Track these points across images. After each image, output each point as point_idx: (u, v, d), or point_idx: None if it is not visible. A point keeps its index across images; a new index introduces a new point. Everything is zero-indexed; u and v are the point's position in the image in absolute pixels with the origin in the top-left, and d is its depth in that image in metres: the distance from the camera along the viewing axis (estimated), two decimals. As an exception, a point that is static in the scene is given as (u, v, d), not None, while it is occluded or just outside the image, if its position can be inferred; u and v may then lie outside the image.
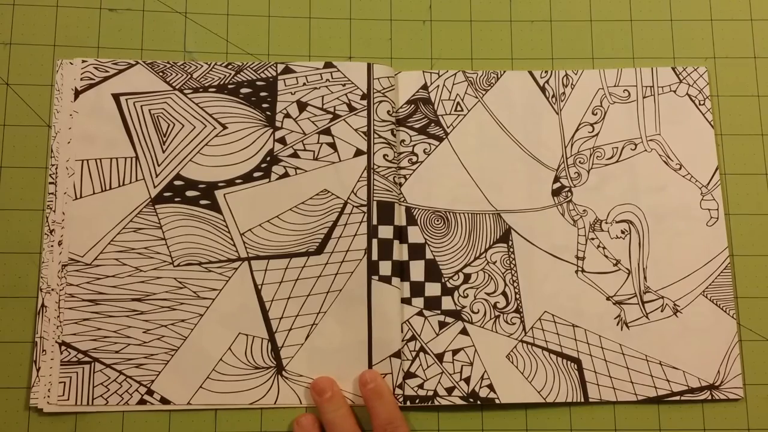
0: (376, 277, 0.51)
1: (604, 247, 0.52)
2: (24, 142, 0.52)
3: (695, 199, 0.53)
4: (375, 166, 0.52)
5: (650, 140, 0.54)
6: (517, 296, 0.52)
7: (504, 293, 0.52)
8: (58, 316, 0.50)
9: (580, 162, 0.54)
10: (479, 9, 0.56)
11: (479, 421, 0.50)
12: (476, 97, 0.54)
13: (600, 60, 0.56)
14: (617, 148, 0.54)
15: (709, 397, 0.50)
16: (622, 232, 0.53)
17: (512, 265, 0.52)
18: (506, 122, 0.54)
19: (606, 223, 0.53)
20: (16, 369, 0.49)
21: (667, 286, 0.52)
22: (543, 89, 0.55)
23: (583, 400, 0.50)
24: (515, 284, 0.52)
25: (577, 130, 0.54)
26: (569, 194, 0.53)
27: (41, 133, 0.52)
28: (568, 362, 0.51)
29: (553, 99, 0.54)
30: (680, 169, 0.54)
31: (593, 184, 0.53)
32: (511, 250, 0.52)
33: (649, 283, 0.52)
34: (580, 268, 0.52)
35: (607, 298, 0.52)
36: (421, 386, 0.50)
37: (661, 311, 0.52)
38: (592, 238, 0.53)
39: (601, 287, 0.52)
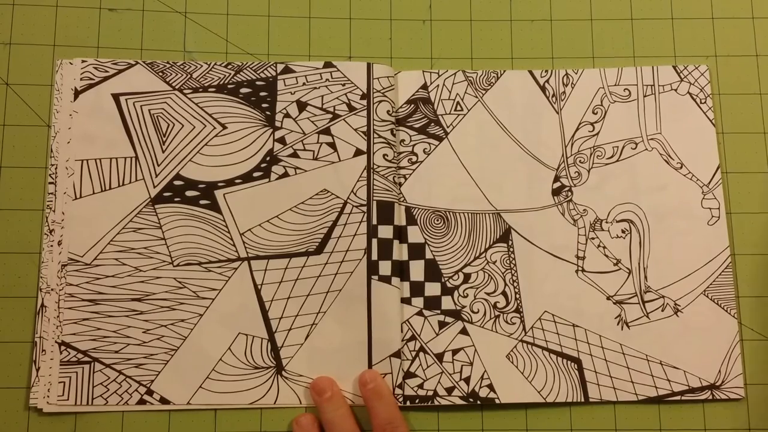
0: (376, 277, 0.51)
1: (604, 247, 0.52)
2: (24, 142, 0.52)
3: (696, 198, 0.53)
4: (375, 166, 0.52)
5: (651, 139, 0.54)
6: (517, 296, 0.51)
7: (504, 293, 0.52)
8: (58, 316, 0.50)
9: (580, 161, 0.54)
10: (479, 8, 0.56)
11: (479, 421, 0.50)
12: (476, 97, 0.54)
13: (600, 59, 0.55)
14: (618, 147, 0.54)
15: (710, 397, 0.50)
16: (623, 232, 0.53)
17: (512, 265, 0.52)
18: (506, 122, 0.54)
19: (606, 222, 0.53)
20: (16, 369, 0.49)
21: (667, 285, 0.52)
22: (543, 88, 0.54)
23: (583, 400, 0.50)
24: (515, 284, 0.52)
25: (577, 129, 0.54)
26: (569, 194, 0.53)
27: (41, 133, 0.52)
28: (569, 362, 0.51)
29: (554, 98, 0.54)
30: (681, 167, 0.53)
31: (593, 183, 0.53)
32: (511, 249, 0.52)
33: (650, 283, 0.52)
34: (580, 268, 0.52)
35: (608, 298, 0.52)
36: (421, 386, 0.50)
37: (662, 311, 0.51)
38: (593, 238, 0.52)
39: (601, 287, 0.52)
